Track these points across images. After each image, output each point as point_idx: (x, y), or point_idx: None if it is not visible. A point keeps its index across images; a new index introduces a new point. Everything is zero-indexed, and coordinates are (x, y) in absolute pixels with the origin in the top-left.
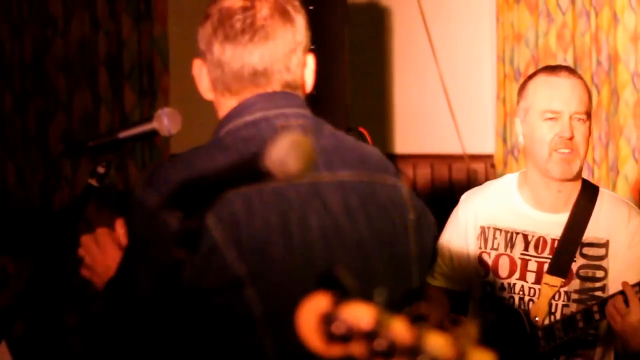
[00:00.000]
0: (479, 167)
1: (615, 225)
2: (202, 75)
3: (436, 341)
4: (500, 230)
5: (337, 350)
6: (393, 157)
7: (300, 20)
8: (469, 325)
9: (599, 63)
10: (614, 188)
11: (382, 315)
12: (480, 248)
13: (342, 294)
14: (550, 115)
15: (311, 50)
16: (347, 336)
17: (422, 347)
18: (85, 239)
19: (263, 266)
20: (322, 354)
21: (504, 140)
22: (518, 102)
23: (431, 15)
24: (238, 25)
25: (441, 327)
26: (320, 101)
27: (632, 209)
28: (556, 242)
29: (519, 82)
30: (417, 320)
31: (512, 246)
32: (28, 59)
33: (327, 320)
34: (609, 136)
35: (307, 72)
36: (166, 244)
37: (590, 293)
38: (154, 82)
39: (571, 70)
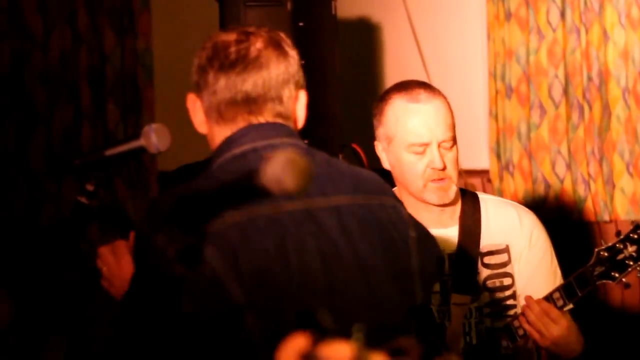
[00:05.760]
0: (476, 182)
1: (509, 229)
2: (195, 108)
3: None
4: None
5: None
6: (387, 174)
7: (293, 55)
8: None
9: (590, 79)
10: (611, 201)
11: (361, 352)
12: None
13: (320, 333)
14: (418, 149)
15: (302, 67)
16: None
17: None
18: (103, 251)
19: (262, 292)
20: None
21: (498, 156)
22: (375, 126)
23: (422, 31)
24: (233, 55)
25: None
26: (313, 119)
27: (519, 209)
28: (453, 257)
29: (511, 98)
30: (397, 355)
31: None
32: (5, 73)
33: None
34: (603, 151)
35: (299, 106)
36: (167, 276)
37: (502, 303)
38: (138, 96)
39: (430, 89)
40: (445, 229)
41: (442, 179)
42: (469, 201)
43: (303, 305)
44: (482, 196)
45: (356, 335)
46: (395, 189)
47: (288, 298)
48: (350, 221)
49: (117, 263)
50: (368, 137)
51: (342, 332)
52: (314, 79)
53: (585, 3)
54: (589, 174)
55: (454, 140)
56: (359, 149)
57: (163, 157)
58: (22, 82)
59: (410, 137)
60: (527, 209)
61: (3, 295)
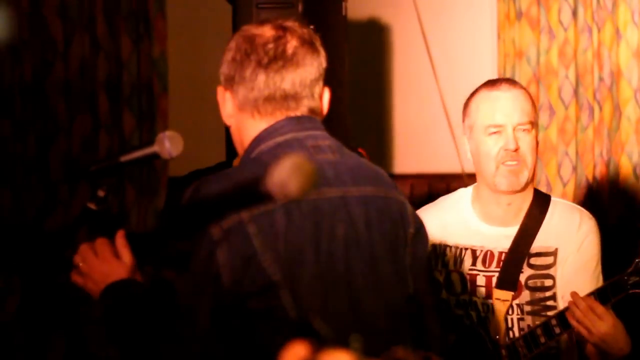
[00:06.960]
0: None
1: (566, 233)
2: (225, 100)
3: None
4: (450, 247)
5: None
6: (391, 177)
7: (323, 54)
8: None
9: (601, 79)
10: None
11: None
12: (432, 266)
13: (321, 342)
14: (493, 130)
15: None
16: None
17: None
18: (84, 247)
19: (295, 271)
20: None
21: None
22: (463, 120)
23: (432, 32)
24: (271, 52)
25: None
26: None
27: (584, 214)
28: (504, 255)
29: None
30: None
31: (461, 262)
32: (28, 83)
33: None
34: (611, 153)
35: (324, 102)
36: (212, 255)
37: (542, 303)
38: (153, 104)
39: (512, 82)
40: (505, 228)
41: (514, 162)
42: (539, 204)
43: (326, 287)
44: (554, 200)
45: (354, 344)
46: (475, 185)
47: (315, 278)
48: (372, 211)
49: (99, 259)
50: (374, 139)
51: (354, 319)
52: (324, 80)
53: (598, 1)
54: (594, 177)
55: (532, 125)
56: (364, 153)
57: (173, 162)
58: (44, 93)
59: (487, 119)
60: (590, 216)
61: (16, 284)
